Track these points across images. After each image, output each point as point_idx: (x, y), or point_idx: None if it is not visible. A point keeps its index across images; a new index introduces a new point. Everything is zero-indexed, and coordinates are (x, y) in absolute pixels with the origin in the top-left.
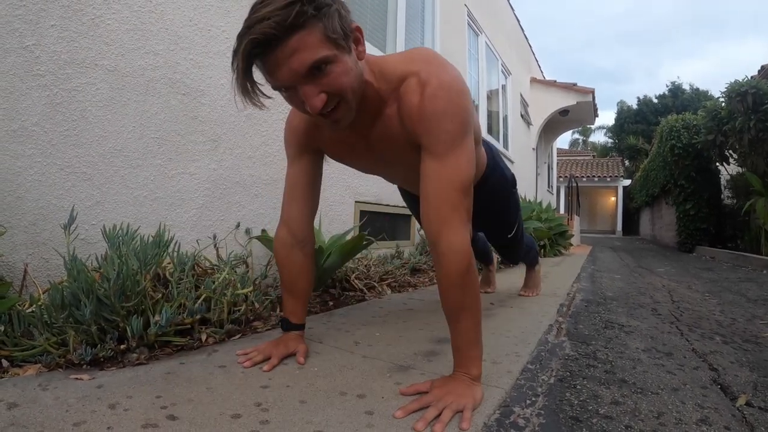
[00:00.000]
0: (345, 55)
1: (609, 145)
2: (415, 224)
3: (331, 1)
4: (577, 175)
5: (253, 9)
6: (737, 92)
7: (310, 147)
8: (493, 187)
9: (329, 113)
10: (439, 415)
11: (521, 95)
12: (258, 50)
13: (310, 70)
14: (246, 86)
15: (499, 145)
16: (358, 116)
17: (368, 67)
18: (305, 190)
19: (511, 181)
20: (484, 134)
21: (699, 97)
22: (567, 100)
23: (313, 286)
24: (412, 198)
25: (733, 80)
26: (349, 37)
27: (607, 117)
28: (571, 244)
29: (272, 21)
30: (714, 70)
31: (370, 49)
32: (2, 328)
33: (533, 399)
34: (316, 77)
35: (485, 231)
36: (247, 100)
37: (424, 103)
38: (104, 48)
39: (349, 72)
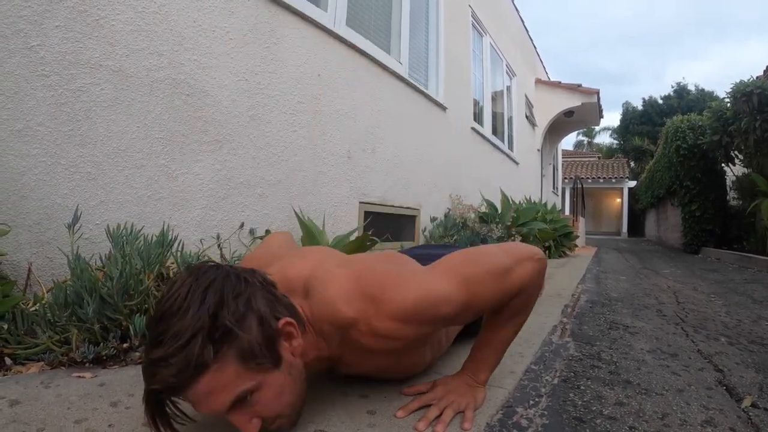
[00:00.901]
0: (274, 373)
1: (614, 146)
2: (419, 225)
3: (243, 310)
4: (583, 176)
5: (151, 334)
6: (742, 93)
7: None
8: None
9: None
10: (441, 414)
11: (526, 96)
12: (163, 397)
13: (233, 405)
14: (165, 427)
15: (504, 146)
16: (318, 367)
17: (312, 338)
18: None
19: None
20: (490, 136)
21: (704, 97)
22: (572, 101)
23: None
24: None
25: (738, 81)
26: (278, 342)
27: (612, 118)
28: (576, 246)
29: (173, 368)
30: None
31: (375, 51)
32: (6, 327)
33: (536, 399)
34: (243, 407)
35: None
36: None
37: (396, 335)
38: (109, 49)
39: (282, 391)
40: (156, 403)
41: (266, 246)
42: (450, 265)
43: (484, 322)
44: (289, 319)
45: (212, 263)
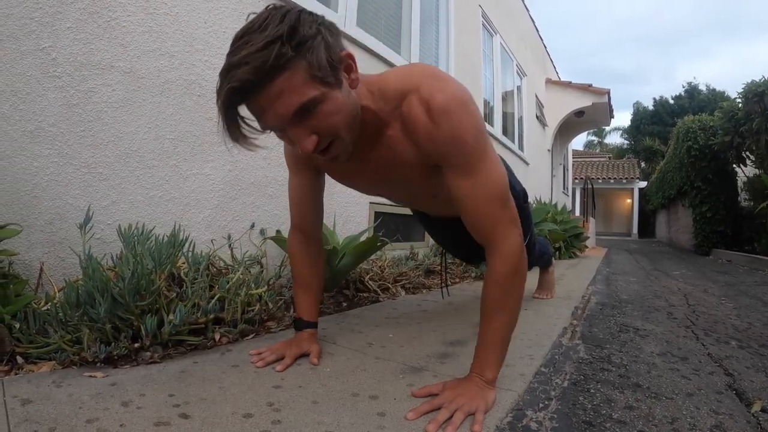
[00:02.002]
0: (335, 91)
1: (625, 146)
2: None
3: (314, 31)
4: (593, 176)
5: (232, 48)
6: (754, 93)
7: (309, 165)
8: None
9: (324, 151)
10: (451, 417)
11: (536, 96)
12: (238, 97)
13: (297, 113)
14: (233, 131)
15: (514, 147)
16: (358, 142)
17: (365, 89)
18: (308, 200)
19: (522, 196)
20: (500, 136)
21: (715, 97)
22: (582, 101)
23: (323, 282)
24: (426, 220)
25: (749, 81)
26: (339, 68)
27: (623, 118)
28: (587, 247)
29: (250, 66)
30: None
31: (385, 51)
32: (18, 326)
33: (546, 402)
34: (304, 119)
35: None
36: (236, 144)
37: (434, 123)
38: (120, 50)
39: (340, 109)
40: (230, 108)
41: None
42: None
43: (480, 316)
44: (349, 52)
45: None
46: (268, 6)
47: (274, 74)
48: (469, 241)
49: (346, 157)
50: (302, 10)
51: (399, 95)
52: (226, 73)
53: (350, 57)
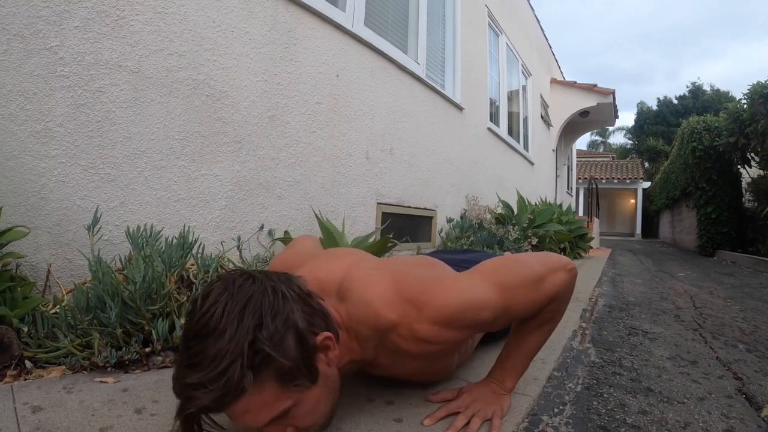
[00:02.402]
0: (311, 389)
1: (629, 146)
2: (435, 226)
3: (283, 326)
4: (597, 176)
5: (186, 352)
6: (759, 94)
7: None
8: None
9: None
10: (468, 422)
11: (541, 96)
12: (198, 418)
13: (269, 423)
14: None
15: (519, 147)
16: (351, 370)
17: (344, 337)
18: None
19: None
20: (505, 136)
21: (720, 98)
22: (587, 101)
23: None
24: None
25: (755, 81)
26: (315, 359)
27: (627, 118)
28: (591, 247)
29: (209, 393)
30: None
31: (392, 51)
32: (26, 329)
33: (561, 407)
34: (280, 421)
35: None
36: None
37: (434, 343)
38: (128, 49)
39: (317, 407)
40: (191, 422)
41: (293, 248)
42: (487, 272)
43: (513, 330)
44: (327, 334)
45: (245, 273)
46: (224, 280)
47: (237, 398)
48: None
49: (325, 427)
50: (263, 296)
51: (375, 335)
52: (183, 393)
53: (328, 338)
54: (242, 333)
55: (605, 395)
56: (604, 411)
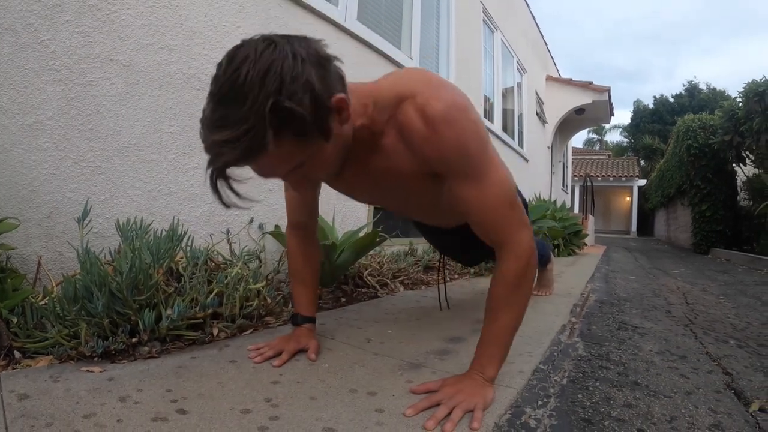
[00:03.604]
0: (324, 145)
1: (624, 144)
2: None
3: (301, 88)
4: (592, 174)
5: (209, 121)
6: (755, 92)
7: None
8: None
9: None
10: (450, 414)
11: (537, 93)
12: (225, 171)
13: (286, 174)
14: (225, 197)
15: (514, 143)
16: (354, 154)
17: (358, 103)
18: (304, 201)
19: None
20: (500, 132)
21: (716, 96)
22: (583, 99)
23: (319, 276)
24: (427, 230)
25: (750, 80)
26: (330, 117)
27: (623, 116)
28: (585, 244)
29: (233, 150)
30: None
31: (385, 46)
32: (15, 320)
33: (545, 400)
34: (294, 172)
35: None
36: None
37: (433, 132)
38: (119, 43)
39: (328, 161)
40: (220, 176)
41: None
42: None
43: (485, 315)
44: (340, 96)
45: (267, 38)
46: (249, 44)
47: (261, 154)
48: (472, 246)
49: (333, 173)
50: (285, 57)
51: (393, 103)
52: (212, 149)
53: (342, 101)
54: (264, 96)
55: (591, 388)
56: (588, 404)
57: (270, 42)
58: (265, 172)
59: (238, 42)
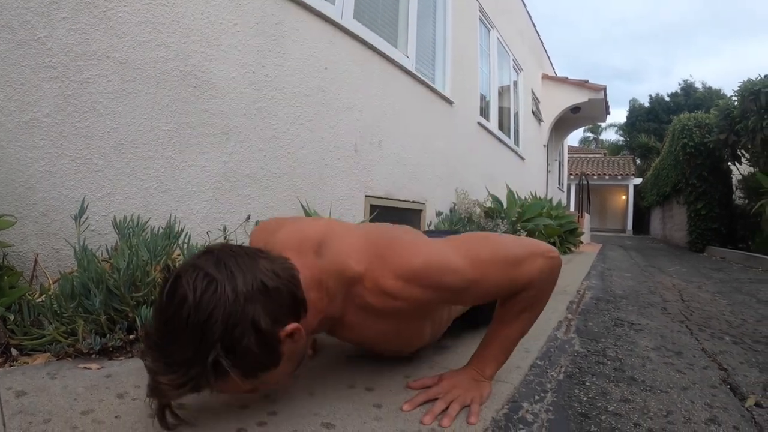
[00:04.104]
0: (275, 370)
1: (620, 143)
2: (425, 219)
3: (243, 343)
4: (588, 172)
5: (152, 358)
6: (750, 91)
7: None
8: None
9: None
10: (447, 408)
11: (533, 91)
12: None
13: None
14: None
15: (509, 142)
16: (321, 329)
17: (317, 297)
18: None
19: None
20: (496, 131)
21: (711, 95)
22: (578, 97)
23: None
24: None
25: (746, 79)
26: (278, 347)
27: (618, 115)
28: (581, 242)
29: (180, 391)
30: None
31: (382, 44)
32: (12, 317)
33: (542, 395)
34: (244, 392)
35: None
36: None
37: (401, 299)
38: (116, 40)
39: (281, 377)
40: (163, 409)
41: (276, 219)
42: (462, 241)
43: (494, 317)
44: (294, 326)
45: (208, 275)
46: (184, 283)
47: (204, 390)
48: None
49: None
50: (226, 299)
51: (342, 289)
52: (156, 389)
53: (295, 330)
54: (205, 347)
55: (587, 383)
56: (585, 399)
57: (210, 280)
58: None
59: (233, 39)
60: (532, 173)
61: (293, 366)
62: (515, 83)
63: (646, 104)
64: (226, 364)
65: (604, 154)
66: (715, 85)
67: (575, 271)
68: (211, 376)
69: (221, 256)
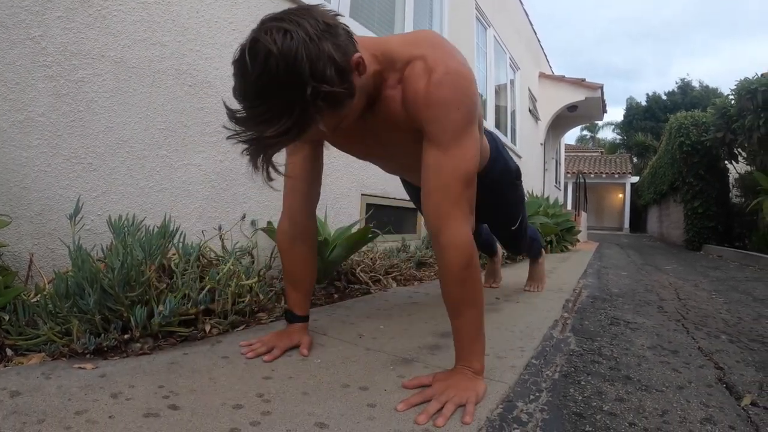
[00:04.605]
0: (352, 102)
1: (617, 141)
2: (421, 218)
3: (324, 63)
4: (585, 171)
5: (249, 122)
6: (747, 90)
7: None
8: (496, 178)
9: None
10: (441, 408)
11: (529, 90)
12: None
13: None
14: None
15: (506, 140)
16: (358, 106)
17: (370, 53)
18: (305, 181)
19: (515, 173)
20: (493, 129)
21: (708, 94)
22: (575, 96)
23: (315, 277)
24: (414, 189)
25: (743, 78)
26: (351, 77)
27: (615, 113)
28: (578, 241)
29: (286, 142)
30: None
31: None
32: (7, 318)
33: (537, 394)
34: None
35: (488, 222)
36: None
37: (430, 90)
38: (111, 39)
39: (354, 112)
40: (269, 163)
41: None
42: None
43: (447, 311)
44: (357, 55)
45: (280, 29)
46: (261, 41)
47: (307, 133)
48: None
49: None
50: (305, 42)
51: (404, 60)
52: (259, 141)
53: (359, 60)
54: (300, 85)
55: (583, 383)
56: (580, 398)
57: (284, 31)
58: (304, 139)
59: (229, 38)
60: (529, 172)
61: (361, 104)
62: (512, 82)
63: (644, 103)
64: (323, 94)
65: (601, 152)
66: (712, 84)
67: (572, 270)
68: (313, 110)
69: (282, 15)
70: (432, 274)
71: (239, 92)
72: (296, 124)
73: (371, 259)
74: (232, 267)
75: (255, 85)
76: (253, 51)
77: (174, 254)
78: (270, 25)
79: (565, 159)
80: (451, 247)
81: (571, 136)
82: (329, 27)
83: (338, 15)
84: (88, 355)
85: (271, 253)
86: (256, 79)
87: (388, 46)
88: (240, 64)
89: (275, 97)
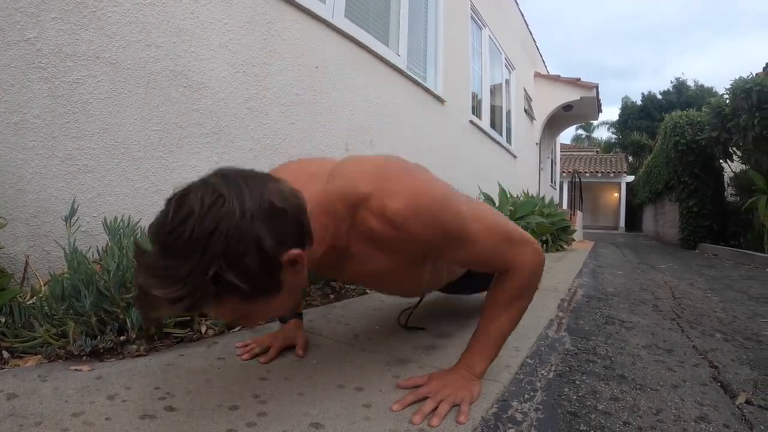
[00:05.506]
0: (272, 297)
1: (612, 140)
2: None
3: (246, 261)
4: (581, 170)
5: (148, 273)
6: (742, 89)
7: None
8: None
9: None
10: (436, 408)
11: (525, 90)
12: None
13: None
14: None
15: (502, 140)
16: (327, 263)
17: (321, 225)
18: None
19: None
20: (488, 129)
21: (703, 93)
22: (571, 95)
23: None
24: None
25: (737, 77)
26: (280, 273)
27: (611, 113)
28: (574, 240)
29: (169, 311)
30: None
31: (373, 43)
32: (3, 320)
33: (532, 394)
34: (241, 318)
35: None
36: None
37: (401, 231)
38: (105, 40)
39: (279, 307)
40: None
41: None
42: (472, 202)
43: (481, 313)
44: (296, 252)
45: (216, 190)
46: (193, 196)
47: (197, 311)
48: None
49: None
50: (233, 215)
51: (348, 212)
52: (144, 297)
53: (296, 257)
54: (207, 260)
55: (577, 382)
56: (575, 397)
57: (218, 195)
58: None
59: (224, 38)
60: (524, 171)
61: (291, 300)
62: (507, 81)
63: (639, 102)
64: (226, 280)
65: (597, 151)
66: (707, 83)
67: (567, 269)
68: (210, 292)
69: (231, 175)
70: None
71: (151, 233)
72: (189, 297)
73: None
74: None
75: (165, 236)
76: (179, 202)
77: None
78: (213, 181)
79: (561, 158)
80: (515, 274)
81: (567, 135)
82: (275, 210)
83: (302, 203)
84: (84, 357)
85: None
86: (167, 233)
87: (331, 206)
88: (165, 209)
89: (177, 258)
